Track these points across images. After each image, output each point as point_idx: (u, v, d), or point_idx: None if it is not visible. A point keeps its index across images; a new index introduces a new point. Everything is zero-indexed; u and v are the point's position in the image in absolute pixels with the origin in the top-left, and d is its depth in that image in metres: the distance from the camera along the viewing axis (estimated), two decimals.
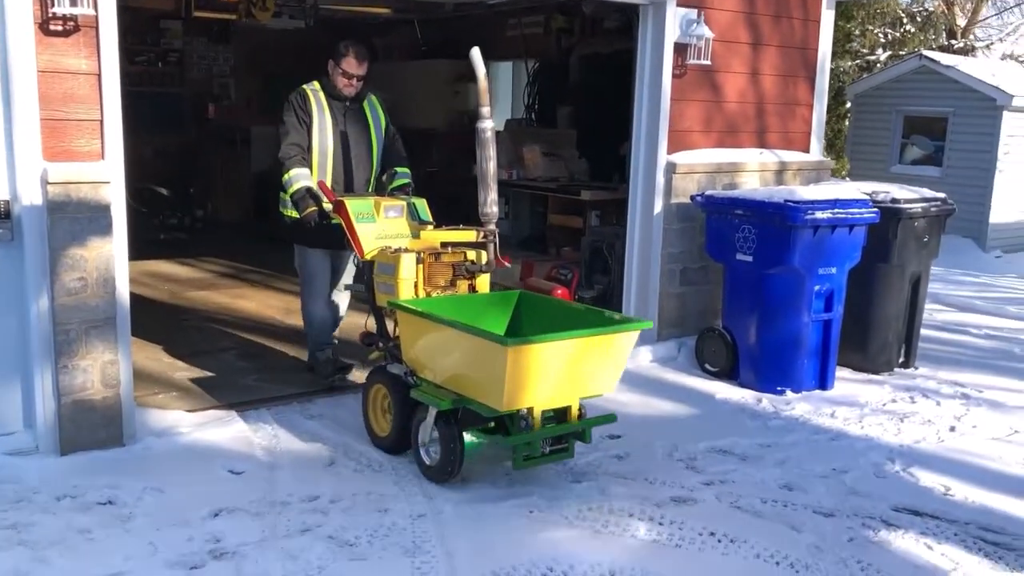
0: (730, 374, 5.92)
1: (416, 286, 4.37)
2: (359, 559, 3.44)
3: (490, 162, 4.32)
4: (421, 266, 4.39)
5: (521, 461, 3.89)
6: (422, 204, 4.94)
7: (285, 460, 4.34)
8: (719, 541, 3.67)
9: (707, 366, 6.05)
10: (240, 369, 5.71)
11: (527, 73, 10.02)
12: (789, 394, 5.66)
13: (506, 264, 4.60)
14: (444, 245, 4.54)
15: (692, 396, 5.58)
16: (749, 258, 5.67)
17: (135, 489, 3.92)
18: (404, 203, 4.84)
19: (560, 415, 3.98)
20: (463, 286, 4.52)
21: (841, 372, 5.97)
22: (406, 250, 4.43)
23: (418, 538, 3.60)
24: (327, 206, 4.92)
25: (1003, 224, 12.61)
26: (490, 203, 4.35)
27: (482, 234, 4.43)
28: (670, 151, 6.17)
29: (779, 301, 5.63)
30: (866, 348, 6.19)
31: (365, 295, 4.70)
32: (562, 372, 3.80)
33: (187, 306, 7.39)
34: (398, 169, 5.41)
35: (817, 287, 5.63)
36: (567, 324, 4.06)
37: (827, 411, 5.34)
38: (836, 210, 5.51)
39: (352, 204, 4.70)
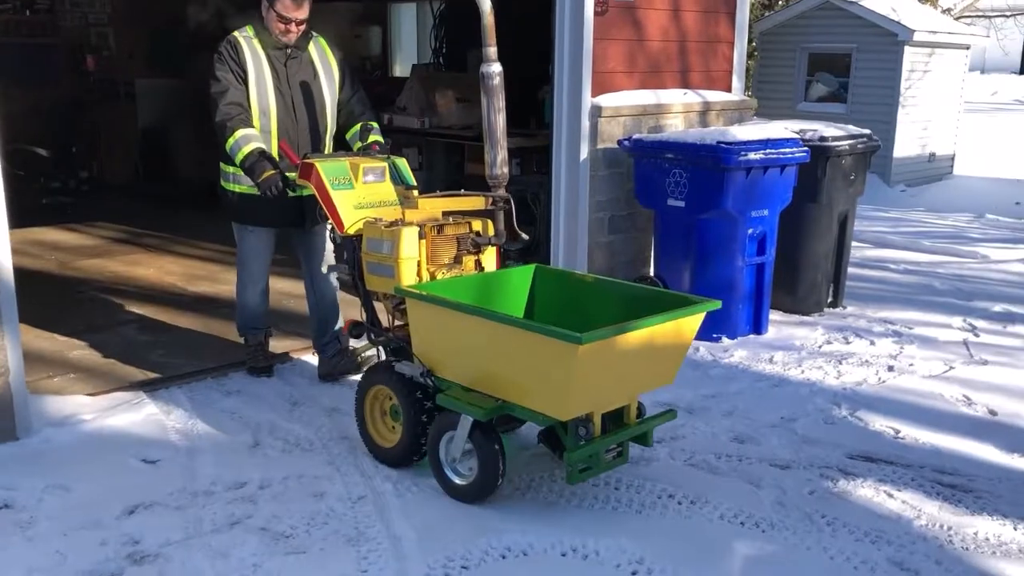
0: None
1: (419, 265, 3.67)
2: (297, 552, 3.13)
3: (499, 115, 3.71)
4: (423, 242, 3.67)
5: (578, 474, 3.24)
6: (404, 164, 4.25)
7: (204, 444, 3.96)
8: (679, 503, 3.49)
9: None
10: (144, 344, 5.24)
11: (432, 15, 9.56)
12: (725, 340, 5.54)
13: (524, 237, 3.96)
14: (446, 215, 3.83)
15: None
16: (681, 203, 5.48)
17: (35, 489, 3.50)
18: (385, 164, 4.10)
19: (615, 415, 3.39)
20: (469, 263, 3.85)
21: (773, 315, 5.89)
22: (405, 222, 3.68)
23: (360, 524, 3.31)
24: (291, 175, 4.14)
25: (906, 158, 12.84)
26: (500, 163, 3.78)
27: (491, 200, 3.83)
28: (594, 94, 5.89)
29: (713, 246, 5.47)
30: (796, 290, 6.12)
31: (347, 278, 4.01)
32: (627, 367, 3.23)
33: (79, 277, 6.80)
34: (366, 123, 4.59)
35: (750, 230, 5.48)
36: (602, 303, 3.57)
37: (766, 356, 5.24)
38: (768, 151, 5.35)
39: (325, 167, 3.92)
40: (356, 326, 3.89)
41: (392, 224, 3.68)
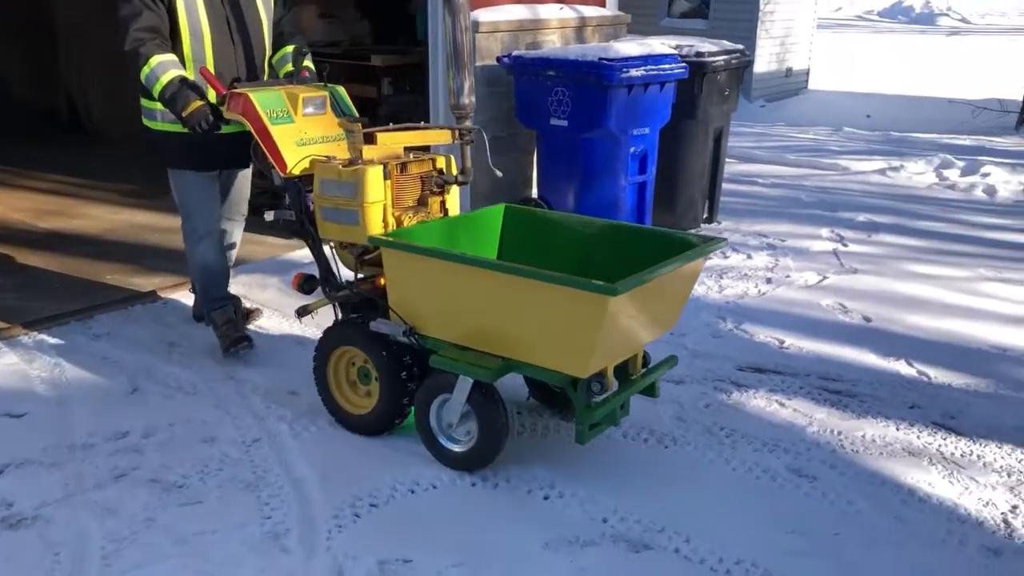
0: None
1: (384, 209, 3.25)
2: (193, 502, 2.95)
3: (464, 34, 3.30)
4: (388, 183, 3.23)
5: (588, 432, 2.95)
6: (344, 94, 3.80)
7: (76, 393, 3.68)
8: None
9: None
10: None
11: None
12: None
13: (498, 173, 3.60)
14: (407, 151, 3.42)
15: None
16: (564, 122, 5.40)
17: None
18: (326, 94, 3.67)
19: (620, 366, 3.10)
20: (434, 204, 3.43)
21: None
22: (365, 161, 3.23)
23: (258, 468, 3.16)
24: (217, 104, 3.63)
25: (765, 74, 13.13)
26: (467, 91, 3.37)
27: (457, 134, 3.41)
28: (471, 8, 5.67)
29: (596, 166, 5.43)
30: (674, 206, 6.19)
31: (291, 225, 3.54)
32: (644, 315, 2.97)
33: None
34: (298, 47, 3.99)
35: (632, 149, 5.47)
36: (583, 244, 3.32)
37: None
38: (649, 67, 5.31)
39: (259, 98, 3.48)
40: (307, 280, 3.48)
41: (351, 163, 3.23)
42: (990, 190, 7.58)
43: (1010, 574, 2.65)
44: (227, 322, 4.05)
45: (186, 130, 3.67)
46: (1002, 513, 2.96)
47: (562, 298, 2.69)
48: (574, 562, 2.65)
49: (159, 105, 3.74)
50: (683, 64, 5.57)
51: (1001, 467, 3.24)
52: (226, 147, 3.84)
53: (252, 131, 3.50)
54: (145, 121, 3.92)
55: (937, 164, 8.31)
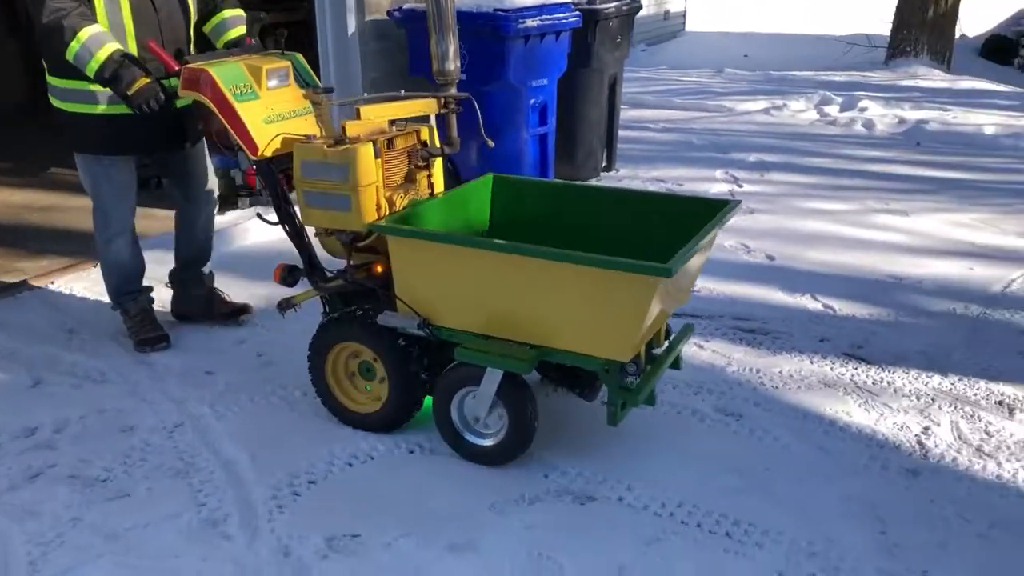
0: None
1: (377, 191, 2.97)
2: (120, 496, 2.82)
3: None
4: (379, 161, 2.94)
5: (621, 412, 2.81)
6: (303, 61, 3.45)
7: None
8: None
9: None
10: None
11: None
12: None
13: (490, 143, 3.35)
14: (391, 124, 3.13)
15: None
16: (462, 76, 5.30)
17: None
18: (289, 64, 3.31)
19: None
20: (422, 181, 3.16)
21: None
22: (351, 138, 2.93)
23: (184, 454, 3.04)
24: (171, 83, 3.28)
25: (644, 17, 13.23)
26: (451, 56, 3.17)
27: (443, 102, 3.16)
28: None
29: (497, 120, 5.35)
30: (575, 156, 6.21)
31: (270, 209, 3.27)
32: (678, 289, 2.86)
33: None
34: (234, 12, 3.65)
35: (532, 101, 5.45)
36: (582, 212, 3.16)
37: None
38: (544, 17, 5.27)
39: (221, 72, 3.12)
40: (291, 271, 3.18)
41: (338, 143, 2.92)
42: (868, 124, 7.90)
43: (929, 492, 2.80)
44: (141, 313, 3.81)
45: (115, 111, 3.38)
46: (916, 435, 3.12)
47: (607, 281, 2.52)
48: (523, 520, 2.66)
49: (75, 83, 3.37)
50: (576, 12, 5.56)
51: (910, 391, 3.42)
52: (157, 129, 3.51)
53: (215, 111, 3.13)
54: (57, 103, 3.51)
55: (817, 101, 8.59)
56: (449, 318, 2.86)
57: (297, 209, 3.14)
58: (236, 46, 3.57)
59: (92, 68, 3.23)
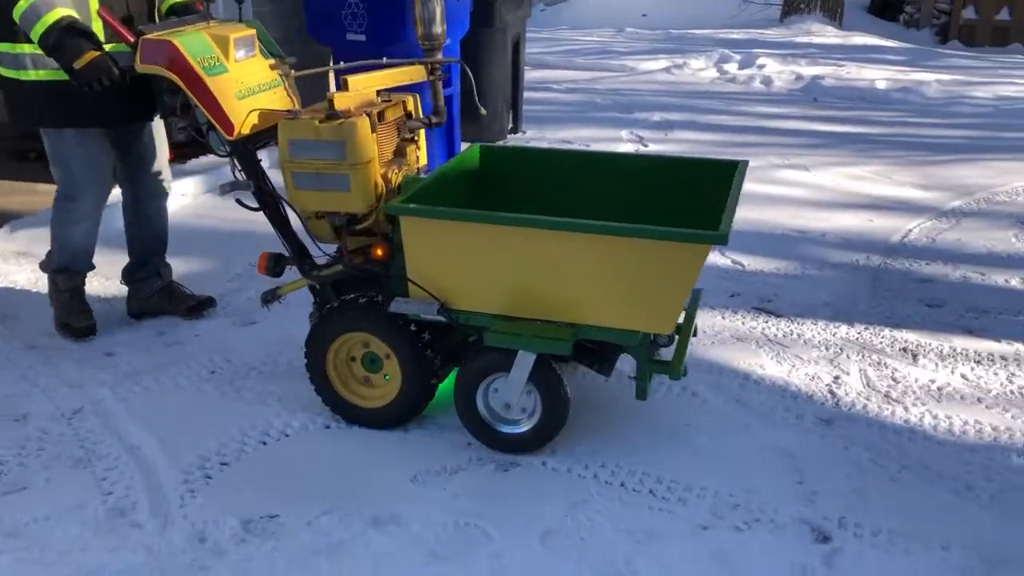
0: None
1: (374, 168, 2.76)
2: (17, 489, 2.65)
3: None
4: (374, 136, 2.74)
5: (648, 387, 2.74)
6: (262, 28, 3.11)
7: None
8: None
9: None
10: None
11: None
12: None
13: (483, 111, 3.26)
14: (378, 95, 2.92)
15: None
16: (361, 37, 5.14)
17: None
18: (253, 31, 2.98)
19: None
20: (411, 154, 2.96)
21: (463, 147, 5.87)
22: (343, 113, 2.70)
23: (86, 441, 2.88)
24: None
25: None
26: (439, 18, 2.92)
27: (430, 68, 2.99)
28: None
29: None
30: (479, 118, 6.11)
31: (249, 194, 2.91)
32: None
33: None
34: None
35: None
36: (582, 179, 3.04)
37: None
38: None
39: (185, 43, 2.77)
40: (278, 260, 2.97)
41: (332, 117, 2.69)
42: (767, 81, 8.03)
43: (843, 439, 2.87)
44: (72, 291, 3.51)
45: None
46: (827, 385, 3.19)
47: (656, 251, 2.41)
48: (447, 490, 2.62)
49: (31, 47, 3.03)
50: None
51: (819, 342, 3.49)
52: (124, 96, 3.15)
53: (182, 87, 2.78)
54: (5, 71, 3.19)
55: (717, 59, 8.69)
56: (471, 301, 2.67)
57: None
58: (184, 12, 3.25)
59: (37, 32, 2.91)
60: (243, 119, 2.80)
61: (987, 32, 11.19)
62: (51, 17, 2.90)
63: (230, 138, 2.81)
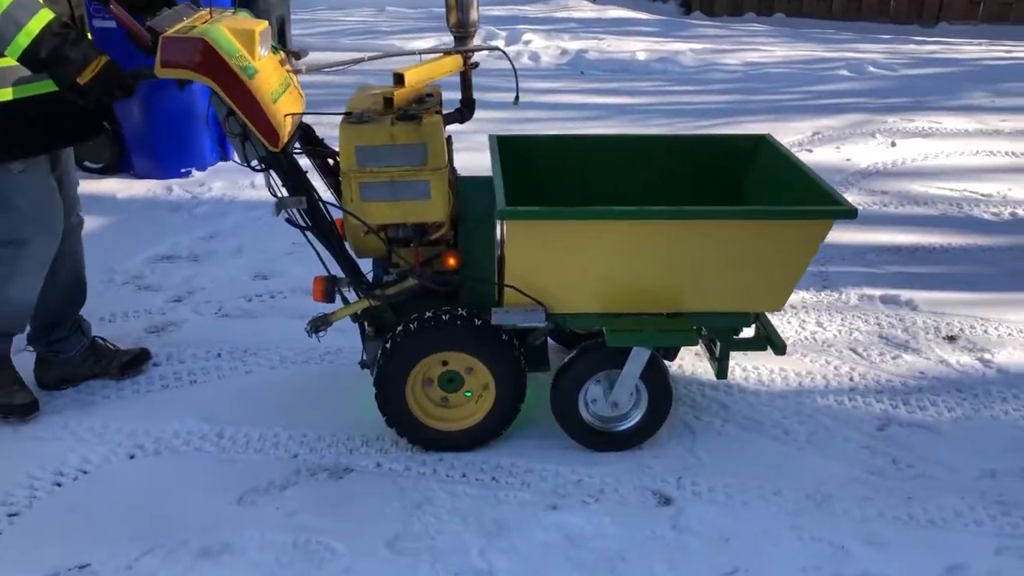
0: (119, 167, 5.08)
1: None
2: None
3: None
4: None
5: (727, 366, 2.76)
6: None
7: None
8: (234, 359, 3.18)
9: (87, 164, 5.06)
10: None
11: None
12: (197, 173, 5.08)
13: (516, 103, 2.88)
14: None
15: (89, 205, 4.65)
16: (110, 24, 4.69)
17: None
18: (266, 24, 2.49)
19: None
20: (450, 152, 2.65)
21: None
22: (421, 112, 2.43)
23: None
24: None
25: None
26: (475, 5, 2.54)
27: (467, 59, 2.66)
28: None
29: None
30: None
31: (298, 218, 2.53)
32: None
33: None
34: None
35: None
36: (617, 163, 2.97)
37: (246, 182, 4.92)
38: None
39: (220, 41, 2.26)
40: (333, 283, 2.65)
41: (406, 117, 2.40)
42: (535, 56, 8.16)
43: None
44: (1, 361, 2.84)
45: (28, 92, 2.48)
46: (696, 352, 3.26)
47: (781, 231, 2.43)
48: (280, 508, 2.43)
49: None
50: None
51: None
52: (81, 115, 2.62)
53: (221, 94, 2.30)
54: None
55: (483, 36, 8.71)
56: (578, 301, 2.54)
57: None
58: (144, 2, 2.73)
59: (20, 45, 2.31)
60: (286, 127, 2.42)
61: (724, 2, 11.99)
62: (38, 23, 2.31)
63: (275, 149, 2.40)
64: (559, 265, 2.48)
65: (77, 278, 3.01)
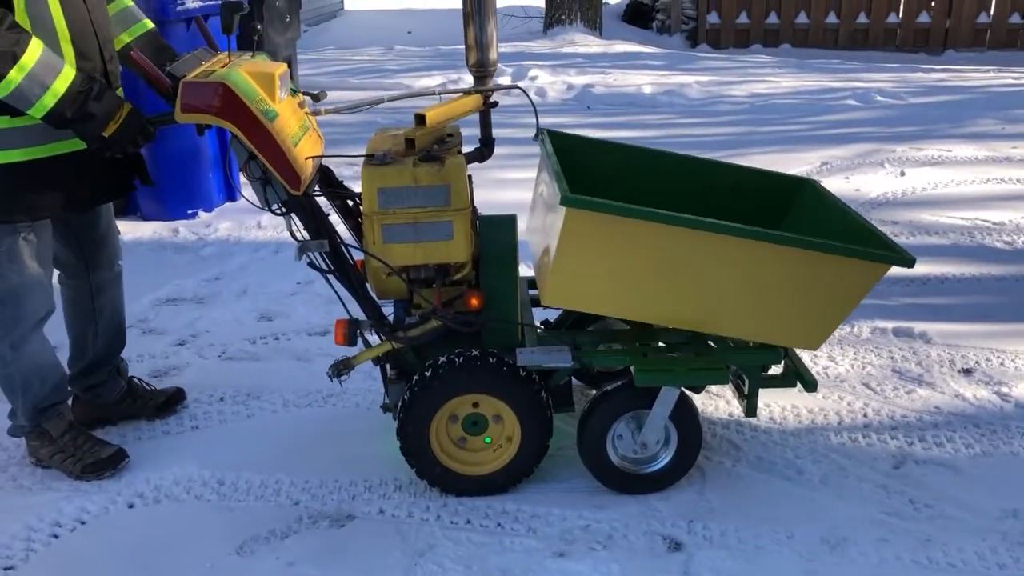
0: (126, 209, 5.08)
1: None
2: None
3: None
4: None
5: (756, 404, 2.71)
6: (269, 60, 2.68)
7: None
8: (238, 404, 3.14)
9: None
10: None
11: None
12: (204, 215, 5.08)
13: (537, 138, 2.85)
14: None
15: None
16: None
17: None
18: (285, 66, 2.53)
19: None
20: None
21: (242, 177, 5.53)
22: (443, 152, 2.45)
23: None
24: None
25: None
26: (495, 45, 2.53)
27: (486, 98, 2.64)
28: None
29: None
30: None
31: (320, 262, 2.53)
32: None
33: None
34: (127, 1, 2.79)
35: None
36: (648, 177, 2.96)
37: (252, 222, 4.92)
38: None
39: (241, 85, 2.29)
40: (352, 326, 2.61)
41: (428, 159, 2.41)
42: (541, 92, 8.18)
43: None
44: (70, 428, 2.76)
45: (35, 154, 2.45)
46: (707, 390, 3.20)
47: (840, 267, 2.39)
48: (280, 558, 2.37)
49: None
50: None
51: None
52: (100, 173, 2.60)
53: (242, 139, 2.31)
54: None
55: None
56: (613, 304, 2.49)
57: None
58: (157, 46, 2.74)
59: (45, 106, 2.30)
60: (307, 170, 2.42)
61: (730, 35, 12.03)
62: (63, 83, 2.31)
63: (296, 192, 2.40)
64: (607, 263, 2.40)
65: (118, 325, 3.02)
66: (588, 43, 11.00)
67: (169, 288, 4.13)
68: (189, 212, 5.05)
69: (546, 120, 7.35)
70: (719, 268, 2.41)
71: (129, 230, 4.86)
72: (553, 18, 11.88)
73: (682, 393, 2.54)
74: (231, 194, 5.31)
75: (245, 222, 4.92)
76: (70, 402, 2.89)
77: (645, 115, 7.56)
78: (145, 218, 5.04)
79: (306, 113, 2.58)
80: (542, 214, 2.69)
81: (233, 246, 4.64)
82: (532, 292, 3.00)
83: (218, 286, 4.15)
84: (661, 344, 2.79)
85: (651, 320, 2.53)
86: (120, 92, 2.65)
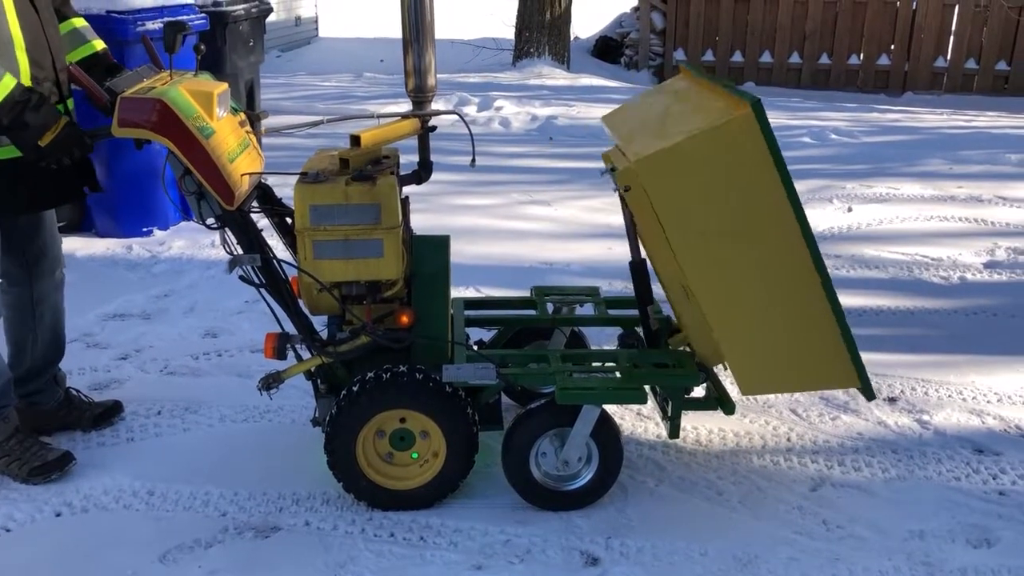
0: (81, 225, 5.11)
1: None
2: None
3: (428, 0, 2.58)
4: None
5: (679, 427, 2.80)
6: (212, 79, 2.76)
7: None
8: (174, 417, 3.17)
9: None
10: None
11: None
12: (158, 233, 5.11)
13: (473, 165, 2.98)
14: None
15: None
16: None
17: None
18: (226, 86, 2.61)
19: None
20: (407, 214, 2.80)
21: None
22: (376, 173, 2.51)
23: None
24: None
25: (275, 23, 12.89)
26: (433, 71, 2.67)
27: (423, 122, 2.76)
28: None
29: None
30: None
31: (252, 275, 2.58)
32: None
33: None
34: (79, 21, 2.91)
35: None
36: None
37: (205, 241, 4.95)
38: (165, 19, 4.88)
39: (179, 102, 2.38)
40: (282, 340, 2.63)
41: (360, 178, 2.47)
42: (505, 122, 8.29)
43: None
44: (15, 433, 2.79)
45: (11, 154, 2.54)
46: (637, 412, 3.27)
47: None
48: (202, 567, 2.40)
49: None
50: (202, 14, 5.23)
51: None
52: (67, 173, 2.67)
53: (178, 154, 2.39)
54: None
55: (456, 102, 8.87)
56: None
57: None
58: (104, 67, 2.84)
59: None
60: (242, 186, 2.50)
61: None
62: (2, 91, 2.39)
63: (230, 207, 2.47)
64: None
65: (56, 333, 3.06)
66: (555, 76, 11.15)
67: (118, 303, 4.15)
68: (144, 230, 5.08)
69: (508, 149, 7.47)
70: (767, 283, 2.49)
71: (82, 246, 4.89)
72: (522, 51, 12.05)
73: (604, 412, 2.61)
74: (187, 213, 5.35)
75: (199, 241, 4.96)
76: None
77: (605, 147, 7.67)
78: (100, 235, 5.07)
79: (247, 132, 2.66)
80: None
81: (185, 264, 4.68)
82: (466, 312, 3.07)
83: (166, 303, 4.18)
84: (589, 364, 2.88)
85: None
86: (71, 103, 2.74)
